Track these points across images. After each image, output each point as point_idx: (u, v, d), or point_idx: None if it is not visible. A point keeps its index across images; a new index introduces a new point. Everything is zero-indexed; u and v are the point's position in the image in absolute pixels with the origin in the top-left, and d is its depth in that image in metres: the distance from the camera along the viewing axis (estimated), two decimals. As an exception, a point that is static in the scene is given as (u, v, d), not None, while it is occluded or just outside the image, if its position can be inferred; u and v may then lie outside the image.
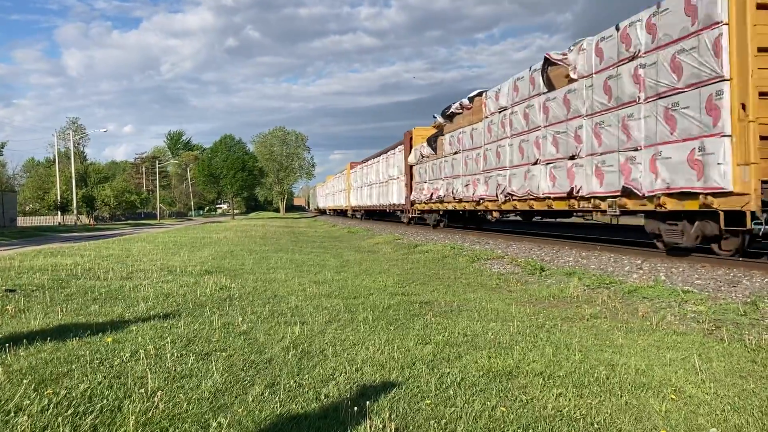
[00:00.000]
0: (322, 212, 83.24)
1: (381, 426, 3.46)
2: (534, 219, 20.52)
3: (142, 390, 4.01)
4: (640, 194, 10.73)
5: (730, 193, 8.79)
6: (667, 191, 10.07)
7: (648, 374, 4.55)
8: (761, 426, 3.55)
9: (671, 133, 9.85)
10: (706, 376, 4.53)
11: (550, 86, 14.24)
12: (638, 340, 5.74)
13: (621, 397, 4.05)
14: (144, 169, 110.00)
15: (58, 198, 59.45)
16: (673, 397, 4.04)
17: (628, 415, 3.73)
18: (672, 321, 6.54)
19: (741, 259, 10.18)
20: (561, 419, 3.65)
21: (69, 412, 3.61)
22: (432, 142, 24.93)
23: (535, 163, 14.78)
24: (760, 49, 8.60)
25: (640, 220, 13.31)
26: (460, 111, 20.79)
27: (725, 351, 5.27)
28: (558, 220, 20.67)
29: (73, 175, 60.31)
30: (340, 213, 64.08)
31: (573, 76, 13.01)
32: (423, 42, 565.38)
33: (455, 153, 21.09)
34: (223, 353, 5.08)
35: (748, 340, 5.53)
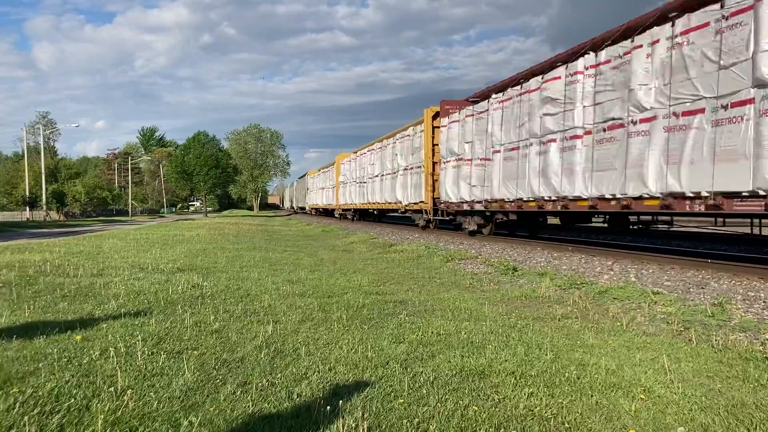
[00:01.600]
0: (324, 212, 56.23)
1: (354, 425, 3.45)
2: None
3: (112, 389, 3.94)
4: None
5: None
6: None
7: (618, 374, 4.61)
8: (727, 425, 3.62)
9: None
10: (675, 376, 4.60)
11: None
12: (609, 340, 5.81)
13: (591, 396, 4.09)
14: (116, 165, 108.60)
15: (27, 193, 58.34)
16: (643, 396, 4.10)
17: (599, 414, 3.78)
18: (642, 322, 6.63)
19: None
20: (532, 418, 3.68)
21: (36, 411, 3.54)
22: None
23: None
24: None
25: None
26: None
27: (693, 352, 5.37)
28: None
29: (43, 170, 59.23)
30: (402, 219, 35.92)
31: None
32: (400, 42, 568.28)
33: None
34: (195, 352, 5.03)
35: (715, 341, 5.63)
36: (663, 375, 4.62)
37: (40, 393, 3.85)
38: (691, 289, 8.24)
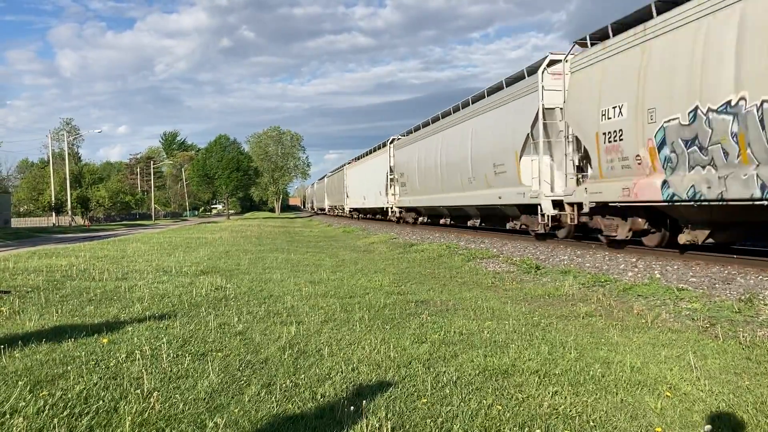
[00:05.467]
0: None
1: (377, 425, 3.46)
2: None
3: (138, 391, 4.00)
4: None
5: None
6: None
7: (643, 372, 4.57)
8: (756, 423, 3.57)
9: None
10: (701, 373, 4.54)
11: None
12: (633, 337, 5.75)
13: (617, 394, 4.06)
14: (139, 169, 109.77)
15: (53, 199, 59.28)
16: (669, 394, 4.06)
17: (624, 412, 3.74)
18: (667, 319, 6.56)
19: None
20: (557, 417, 3.66)
21: (65, 413, 3.60)
22: None
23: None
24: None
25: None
26: None
27: (720, 348, 5.29)
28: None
29: (68, 176, 60.13)
30: None
31: None
32: (418, 41, 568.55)
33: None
34: (219, 353, 5.08)
35: (743, 337, 5.55)
36: (689, 372, 4.56)
37: (69, 395, 3.92)
38: (717, 285, 8.13)
